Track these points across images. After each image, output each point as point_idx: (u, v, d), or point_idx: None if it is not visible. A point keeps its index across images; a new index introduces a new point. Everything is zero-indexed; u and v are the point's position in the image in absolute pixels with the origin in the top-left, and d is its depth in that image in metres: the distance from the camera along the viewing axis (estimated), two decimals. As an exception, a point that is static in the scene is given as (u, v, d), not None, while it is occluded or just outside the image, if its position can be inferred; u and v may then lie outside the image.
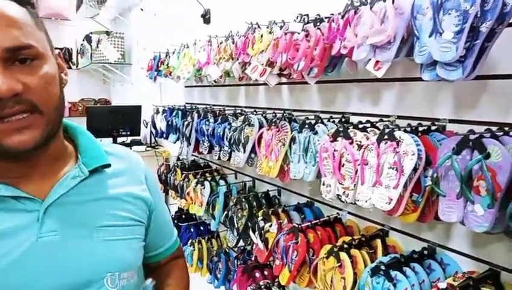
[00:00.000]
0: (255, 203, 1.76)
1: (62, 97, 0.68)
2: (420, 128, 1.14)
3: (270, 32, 1.47)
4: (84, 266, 0.69)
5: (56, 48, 0.70)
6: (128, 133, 3.60)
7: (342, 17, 1.22)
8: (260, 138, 1.60)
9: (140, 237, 0.79)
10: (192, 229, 2.47)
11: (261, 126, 1.66)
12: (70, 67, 4.42)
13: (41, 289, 0.65)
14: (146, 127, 3.15)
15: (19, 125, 0.61)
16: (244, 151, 1.69)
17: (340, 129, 1.23)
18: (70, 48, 4.47)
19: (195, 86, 2.61)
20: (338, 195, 1.21)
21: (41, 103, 0.62)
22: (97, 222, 0.72)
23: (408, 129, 1.13)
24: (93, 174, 0.74)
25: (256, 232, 1.63)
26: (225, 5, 2.28)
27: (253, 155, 1.70)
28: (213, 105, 2.33)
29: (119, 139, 3.56)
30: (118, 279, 0.72)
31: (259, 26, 1.64)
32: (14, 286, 0.64)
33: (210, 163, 2.47)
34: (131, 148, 2.80)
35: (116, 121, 3.57)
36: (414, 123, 1.19)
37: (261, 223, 1.60)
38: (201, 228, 2.48)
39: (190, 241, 2.31)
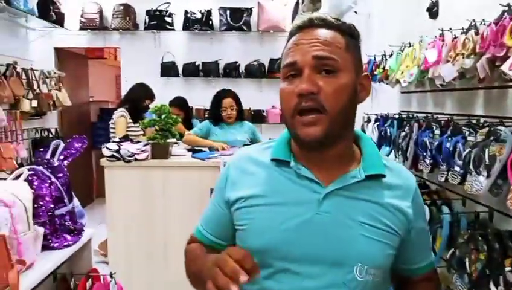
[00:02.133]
0: (496, 245, 1.32)
1: (351, 108, 0.84)
2: None
3: (545, 11, 1.04)
4: (342, 250, 0.82)
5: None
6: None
7: None
8: (515, 159, 1.17)
9: (392, 245, 0.86)
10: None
11: (516, 143, 1.22)
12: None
13: (308, 255, 0.82)
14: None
15: (309, 121, 0.80)
16: (488, 176, 1.27)
17: None
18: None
19: (415, 92, 2.25)
20: None
21: (327, 104, 0.80)
22: (361, 218, 0.84)
23: None
24: (369, 179, 0.86)
25: (501, 287, 1.20)
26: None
27: (500, 181, 1.27)
28: (436, 113, 1.93)
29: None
30: (366, 272, 0.82)
31: (520, 8, 1.21)
32: (291, 244, 0.83)
33: (428, 182, 2.07)
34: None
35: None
36: None
37: (510, 277, 1.17)
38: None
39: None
